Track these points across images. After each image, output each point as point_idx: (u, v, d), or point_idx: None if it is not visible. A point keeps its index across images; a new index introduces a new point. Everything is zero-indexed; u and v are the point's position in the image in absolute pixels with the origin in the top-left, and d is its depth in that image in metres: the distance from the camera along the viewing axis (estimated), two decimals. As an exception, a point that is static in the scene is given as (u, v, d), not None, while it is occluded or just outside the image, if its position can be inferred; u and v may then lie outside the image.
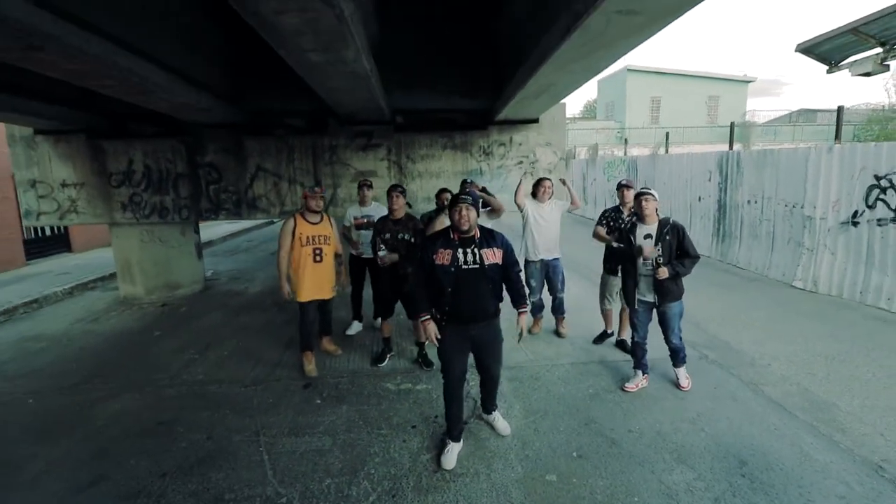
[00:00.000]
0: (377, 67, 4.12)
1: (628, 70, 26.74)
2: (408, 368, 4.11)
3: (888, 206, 5.06)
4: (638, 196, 3.39)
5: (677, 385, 3.62)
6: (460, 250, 2.63)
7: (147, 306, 6.23)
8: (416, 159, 6.17)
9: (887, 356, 4.14)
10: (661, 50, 78.75)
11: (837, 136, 5.90)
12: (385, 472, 2.72)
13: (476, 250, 2.64)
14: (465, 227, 2.60)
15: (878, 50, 10.66)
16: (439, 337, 2.69)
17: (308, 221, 3.92)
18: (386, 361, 4.20)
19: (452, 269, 2.61)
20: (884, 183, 5.07)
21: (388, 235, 3.86)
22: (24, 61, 2.91)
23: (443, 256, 2.64)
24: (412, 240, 3.83)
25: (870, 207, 5.27)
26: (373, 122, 5.89)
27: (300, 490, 2.59)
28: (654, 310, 3.48)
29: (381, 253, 3.79)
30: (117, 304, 6.42)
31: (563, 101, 6.16)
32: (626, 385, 3.60)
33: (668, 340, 3.54)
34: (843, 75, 13.47)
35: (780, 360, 4.13)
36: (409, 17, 5.31)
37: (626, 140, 15.84)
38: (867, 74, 11.43)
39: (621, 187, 4.02)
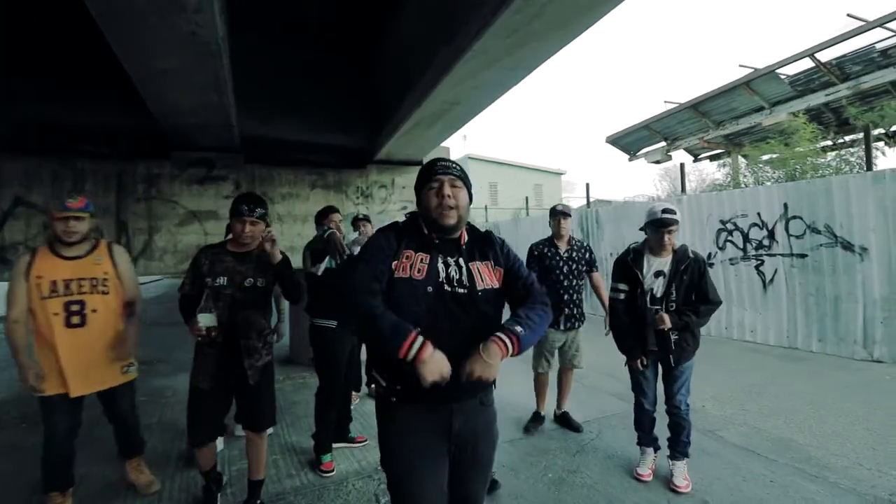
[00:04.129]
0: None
1: (469, 158, 29.83)
2: None
3: (736, 246, 5.68)
4: (661, 226, 2.46)
5: (672, 485, 2.50)
6: (442, 260, 1.41)
7: None
8: (275, 199, 4.86)
9: (789, 383, 4.25)
10: (496, 143, 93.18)
11: (683, 188, 6.70)
12: None
13: (463, 263, 1.43)
14: (450, 222, 1.40)
15: (664, 143, 13.73)
16: None
17: (60, 255, 2.24)
18: None
19: (430, 288, 1.36)
20: (729, 226, 5.73)
21: (222, 281, 2.15)
22: None
23: (413, 264, 1.38)
24: (267, 287, 2.28)
25: (721, 249, 5.87)
26: (217, 148, 4.51)
27: None
28: (659, 364, 2.67)
29: (200, 316, 2.05)
30: None
31: (446, 145, 5.82)
32: (639, 471, 2.63)
33: (673, 402, 2.59)
34: (641, 164, 16.80)
35: (707, 401, 3.84)
36: (269, 39, 4.40)
37: (486, 207, 17.13)
38: (657, 162, 14.55)
39: (556, 214, 3.37)
